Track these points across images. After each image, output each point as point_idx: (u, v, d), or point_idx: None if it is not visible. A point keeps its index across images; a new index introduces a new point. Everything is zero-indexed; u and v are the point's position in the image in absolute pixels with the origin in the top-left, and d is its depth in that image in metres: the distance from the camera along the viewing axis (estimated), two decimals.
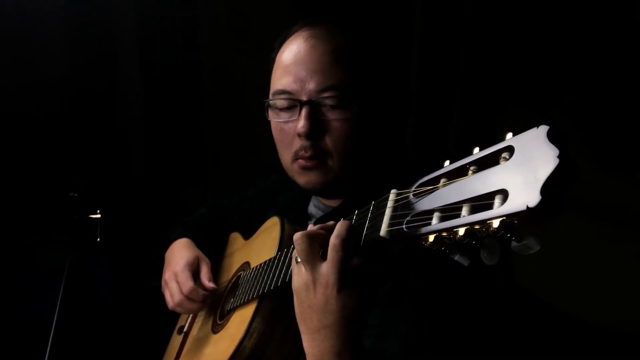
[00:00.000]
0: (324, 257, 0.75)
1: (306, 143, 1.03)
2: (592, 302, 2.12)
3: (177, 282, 1.28)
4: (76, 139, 2.76)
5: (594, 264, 2.24)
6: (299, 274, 0.78)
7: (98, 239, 2.23)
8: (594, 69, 2.35)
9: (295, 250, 0.79)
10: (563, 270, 2.25)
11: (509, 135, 0.54)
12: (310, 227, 0.82)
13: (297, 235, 0.77)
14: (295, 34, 1.08)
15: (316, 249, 0.76)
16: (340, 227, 0.75)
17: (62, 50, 2.76)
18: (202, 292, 1.25)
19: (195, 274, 1.29)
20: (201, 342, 1.24)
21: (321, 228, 0.79)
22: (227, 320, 1.16)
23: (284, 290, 0.96)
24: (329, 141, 1.03)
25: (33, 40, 2.64)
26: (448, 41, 2.63)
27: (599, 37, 2.33)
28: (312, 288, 0.75)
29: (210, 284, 1.25)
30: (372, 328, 0.87)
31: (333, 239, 0.74)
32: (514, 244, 0.52)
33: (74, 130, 2.75)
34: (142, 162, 3.10)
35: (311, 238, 0.77)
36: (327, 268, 0.74)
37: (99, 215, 2.21)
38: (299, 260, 0.78)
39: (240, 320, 1.08)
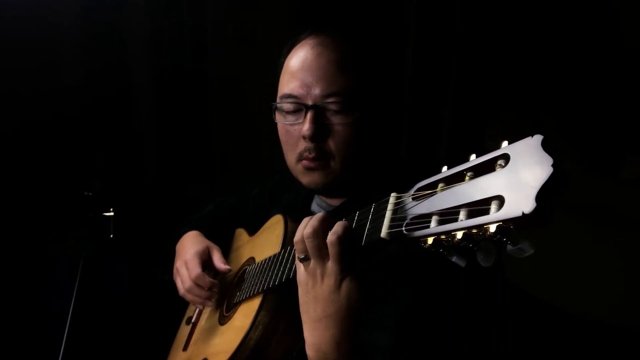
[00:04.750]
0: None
1: (310, 145, 1.03)
2: (579, 296, 2.13)
3: (187, 270, 1.27)
4: (91, 141, 2.76)
5: (580, 259, 2.25)
6: (304, 269, 0.79)
7: (111, 235, 2.23)
8: (579, 76, 2.35)
9: (298, 249, 0.79)
10: (551, 266, 2.25)
11: (505, 143, 0.53)
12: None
13: (307, 233, 0.77)
14: (303, 42, 1.08)
15: (324, 245, 0.77)
16: (337, 226, 0.76)
17: (79, 59, 2.76)
18: (209, 279, 1.24)
19: (205, 263, 1.27)
20: (209, 333, 1.24)
21: (325, 223, 0.79)
22: (234, 313, 1.15)
23: (288, 286, 0.96)
24: (331, 144, 1.03)
25: (52, 51, 2.65)
26: (440, 51, 2.62)
27: (583, 45, 2.33)
28: (319, 279, 0.77)
29: (225, 267, 1.24)
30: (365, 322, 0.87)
31: (330, 236, 0.75)
32: (509, 247, 0.51)
33: (89, 133, 2.75)
34: (153, 163, 3.10)
35: (320, 235, 0.77)
36: (330, 262, 0.76)
37: (112, 213, 2.21)
38: (302, 257, 0.79)
39: (246, 313, 1.08)
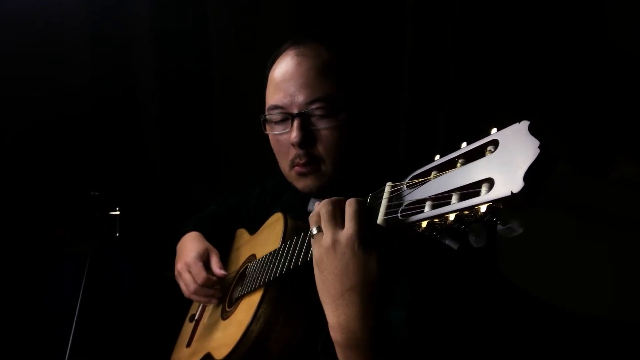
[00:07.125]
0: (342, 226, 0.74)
1: (300, 152, 1.05)
2: (570, 292, 2.13)
3: (191, 273, 1.28)
4: (97, 142, 2.76)
5: (571, 258, 2.25)
6: (318, 244, 0.75)
7: (117, 234, 2.24)
8: (572, 79, 2.36)
9: (312, 222, 0.78)
10: (544, 264, 2.25)
11: (494, 130, 0.55)
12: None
13: (323, 201, 0.77)
14: (284, 53, 1.10)
15: (338, 213, 0.75)
16: (351, 200, 0.74)
17: (85, 62, 2.77)
18: (213, 280, 1.25)
19: (205, 264, 1.29)
20: (211, 328, 1.24)
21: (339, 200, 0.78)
22: (236, 307, 1.16)
23: (288, 279, 0.97)
24: (320, 148, 1.05)
25: (59, 54, 2.65)
26: (439, 50, 2.62)
27: (574, 50, 2.34)
28: (332, 250, 0.72)
29: (221, 272, 1.25)
30: None
31: (347, 208, 0.73)
32: (499, 227, 0.52)
33: (96, 134, 2.76)
34: (158, 163, 3.09)
35: (334, 203, 0.76)
36: (346, 231, 0.72)
37: (118, 212, 2.22)
38: (315, 231, 0.77)
39: (247, 307, 1.08)
